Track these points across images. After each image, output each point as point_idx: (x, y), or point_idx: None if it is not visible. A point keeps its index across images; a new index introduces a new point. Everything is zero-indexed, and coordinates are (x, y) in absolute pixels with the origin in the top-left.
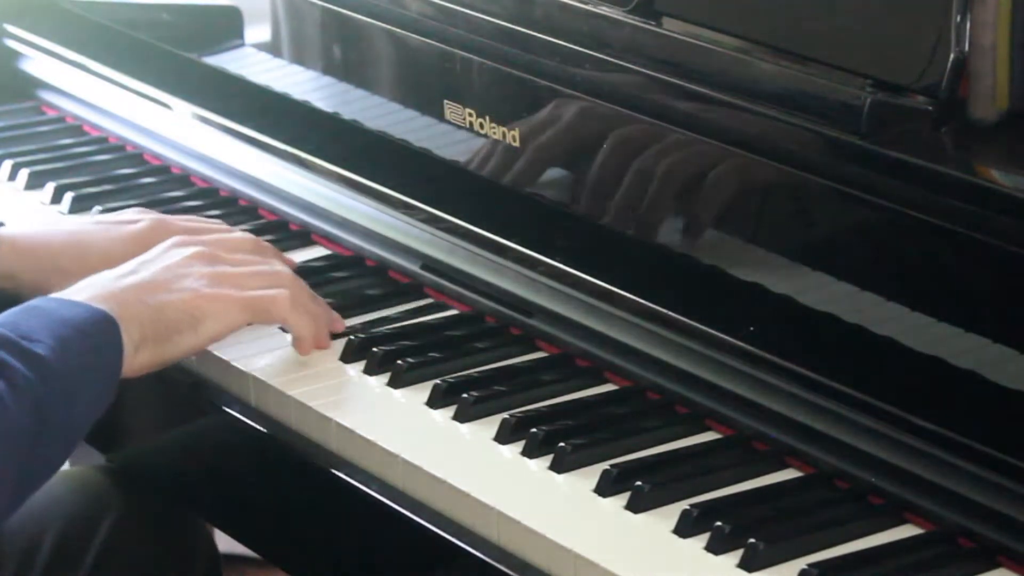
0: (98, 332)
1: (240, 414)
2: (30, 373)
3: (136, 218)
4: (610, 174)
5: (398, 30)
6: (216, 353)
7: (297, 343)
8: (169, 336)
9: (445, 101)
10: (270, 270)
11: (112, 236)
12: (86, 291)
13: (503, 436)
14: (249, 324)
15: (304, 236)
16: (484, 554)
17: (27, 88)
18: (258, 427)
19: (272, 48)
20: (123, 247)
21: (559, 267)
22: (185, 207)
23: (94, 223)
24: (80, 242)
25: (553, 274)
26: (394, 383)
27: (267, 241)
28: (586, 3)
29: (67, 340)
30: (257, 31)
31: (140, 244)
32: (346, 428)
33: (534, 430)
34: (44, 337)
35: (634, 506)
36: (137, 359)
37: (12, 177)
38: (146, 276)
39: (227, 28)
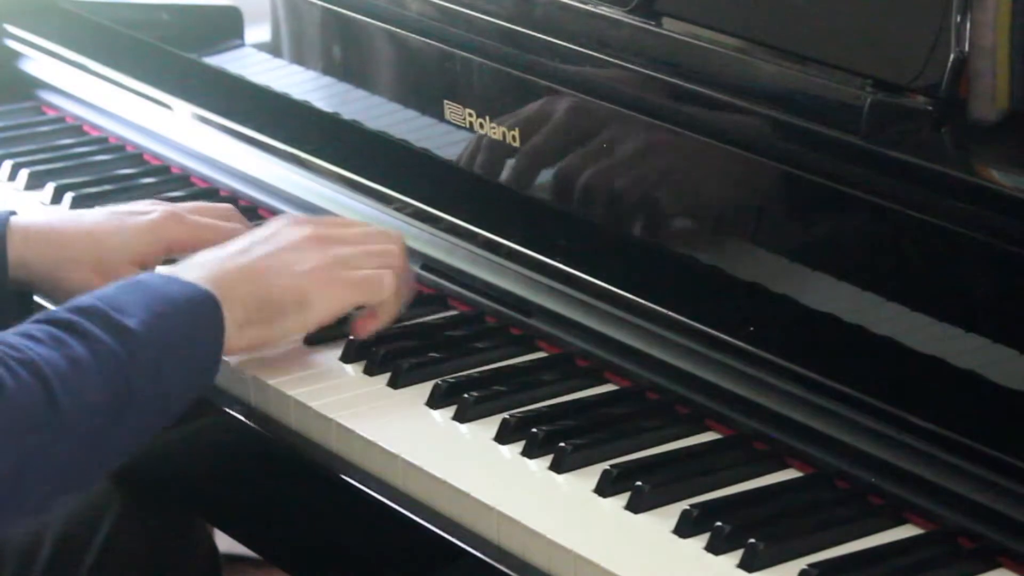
0: (197, 310)
1: (240, 414)
2: (117, 345)
3: (148, 209)
4: (610, 174)
5: (398, 30)
6: None
7: (364, 321)
8: (275, 318)
9: (445, 101)
10: (381, 248)
11: (126, 227)
12: (193, 270)
13: (503, 436)
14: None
15: None
16: (484, 554)
17: (27, 88)
18: (258, 427)
19: (272, 48)
20: (137, 237)
21: (559, 267)
22: None
23: (108, 213)
24: (92, 232)
25: (553, 274)
26: (394, 383)
27: None
28: (586, 3)
29: (162, 315)
30: (257, 31)
31: (154, 235)
32: (346, 428)
33: (534, 430)
34: (138, 311)
35: (634, 506)
36: (243, 338)
37: (12, 177)
38: (257, 255)
39: (227, 28)
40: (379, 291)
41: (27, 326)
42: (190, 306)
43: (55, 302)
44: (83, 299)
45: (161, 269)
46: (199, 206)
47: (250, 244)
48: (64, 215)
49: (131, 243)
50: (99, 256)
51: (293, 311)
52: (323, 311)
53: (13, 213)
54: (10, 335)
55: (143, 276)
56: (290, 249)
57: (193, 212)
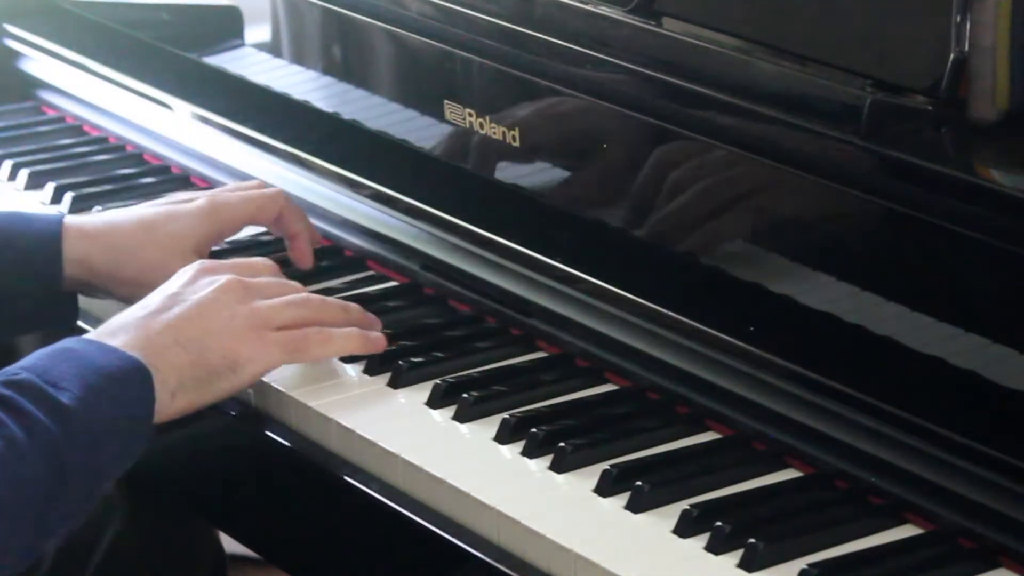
0: (130, 381)
1: (241, 415)
2: (51, 422)
3: (190, 196)
4: (610, 174)
5: (398, 30)
6: None
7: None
8: (208, 380)
9: (445, 101)
10: (299, 298)
11: (178, 215)
12: (120, 335)
13: (503, 436)
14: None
15: None
16: (484, 554)
17: (27, 88)
18: (259, 428)
19: (272, 48)
20: (191, 225)
21: (559, 267)
22: None
23: (155, 206)
24: (146, 223)
25: (553, 274)
26: (394, 383)
27: (266, 241)
28: (586, 3)
29: (95, 389)
30: (257, 31)
31: (207, 219)
32: (346, 428)
33: (534, 430)
34: (71, 385)
35: (634, 506)
36: (174, 404)
37: (12, 177)
38: (180, 314)
39: (227, 28)
40: (304, 352)
41: None
42: (124, 377)
43: (115, 298)
44: (16, 371)
45: (89, 334)
46: (230, 186)
47: (168, 299)
48: (115, 212)
49: (186, 231)
50: (156, 247)
51: (226, 372)
52: (255, 370)
53: (63, 215)
54: None
55: (73, 343)
56: (212, 304)
57: (227, 191)
